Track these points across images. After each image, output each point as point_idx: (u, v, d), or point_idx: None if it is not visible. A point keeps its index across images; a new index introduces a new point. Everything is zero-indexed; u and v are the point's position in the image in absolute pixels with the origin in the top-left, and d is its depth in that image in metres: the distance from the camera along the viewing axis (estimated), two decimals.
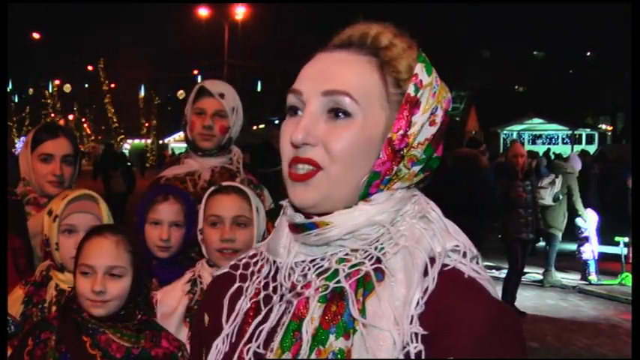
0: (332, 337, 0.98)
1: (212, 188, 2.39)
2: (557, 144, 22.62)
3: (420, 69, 1.06)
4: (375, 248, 1.02)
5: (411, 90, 1.04)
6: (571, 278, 9.77)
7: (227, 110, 3.04)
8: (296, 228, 1.07)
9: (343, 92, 1.02)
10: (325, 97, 1.03)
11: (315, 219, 1.04)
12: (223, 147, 3.09)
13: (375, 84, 1.04)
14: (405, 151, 1.05)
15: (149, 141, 49.61)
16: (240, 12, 31.22)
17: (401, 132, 1.04)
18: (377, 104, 1.04)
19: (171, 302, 2.29)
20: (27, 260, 2.48)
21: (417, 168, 1.07)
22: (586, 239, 9.45)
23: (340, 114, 1.03)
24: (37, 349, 1.91)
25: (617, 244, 9.49)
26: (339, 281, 1.01)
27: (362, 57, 1.06)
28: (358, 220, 1.03)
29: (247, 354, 1.04)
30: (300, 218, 1.06)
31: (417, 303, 0.97)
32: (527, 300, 8.40)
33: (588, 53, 29.03)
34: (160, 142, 48.55)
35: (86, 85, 53.92)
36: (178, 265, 2.55)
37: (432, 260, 1.00)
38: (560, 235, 9.25)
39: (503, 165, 8.79)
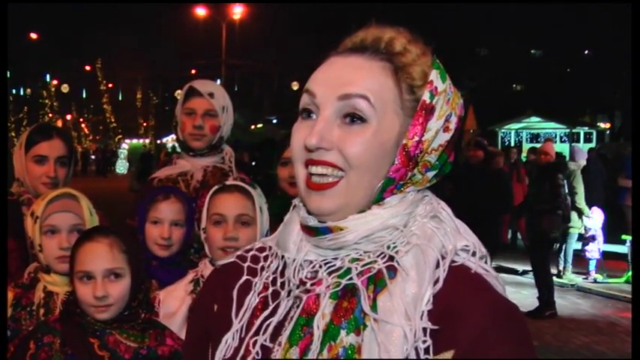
0: (343, 333, 1.00)
1: (216, 187, 2.39)
2: (555, 142, 22.63)
3: (435, 76, 1.06)
4: (388, 247, 1.03)
5: (426, 97, 1.05)
6: (574, 276, 9.78)
7: (217, 109, 3.04)
8: (309, 230, 1.08)
9: (361, 95, 1.03)
10: (341, 102, 1.04)
11: (329, 223, 1.05)
12: (215, 146, 3.09)
13: (390, 90, 1.05)
14: (419, 157, 1.06)
15: (147, 141, 49.60)
16: (237, 11, 31.18)
17: (416, 138, 1.05)
18: (391, 110, 1.04)
19: (174, 302, 2.30)
20: (20, 262, 2.46)
21: (430, 173, 1.09)
22: (592, 238, 9.43)
23: (356, 119, 1.03)
24: (40, 352, 1.90)
25: (623, 242, 9.47)
26: (351, 278, 1.02)
27: (376, 62, 1.06)
28: (372, 224, 1.04)
29: (254, 347, 1.06)
30: (313, 221, 1.07)
31: (428, 300, 0.98)
32: (525, 299, 8.39)
33: (586, 51, 29.03)
34: (158, 141, 48.56)
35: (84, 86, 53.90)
36: (178, 266, 2.55)
37: (443, 258, 1.02)
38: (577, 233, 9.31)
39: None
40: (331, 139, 1.03)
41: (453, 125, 1.07)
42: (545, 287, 7.95)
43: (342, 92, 1.03)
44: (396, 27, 1.10)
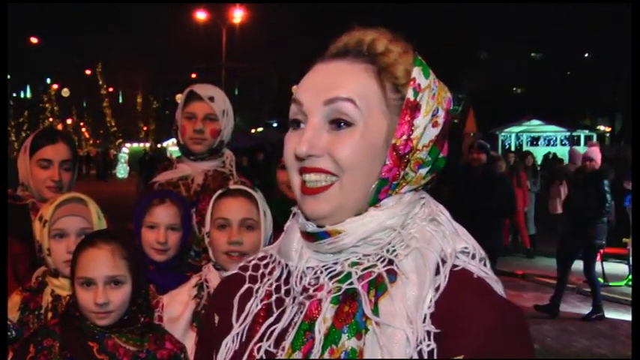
0: (344, 337, 1.00)
1: (220, 191, 2.39)
2: (556, 145, 22.61)
3: (417, 72, 1.07)
4: (387, 251, 1.04)
5: (410, 94, 1.06)
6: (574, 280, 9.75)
7: (217, 113, 3.05)
8: (308, 236, 1.08)
9: (346, 99, 1.04)
10: (327, 107, 1.05)
11: (328, 228, 1.06)
12: (215, 150, 3.10)
13: (374, 91, 1.06)
14: (410, 155, 1.06)
15: (147, 145, 49.61)
16: (237, 15, 31.21)
17: (404, 137, 1.05)
18: (377, 111, 1.05)
19: (178, 307, 2.29)
20: (28, 266, 2.46)
21: (424, 170, 1.09)
22: None
23: (342, 124, 1.04)
24: (40, 355, 1.90)
25: (624, 245, 9.44)
26: (351, 283, 1.02)
27: (359, 65, 1.07)
28: (370, 226, 1.05)
29: (258, 352, 1.06)
30: (312, 227, 1.07)
31: (430, 302, 0.99)
32: (526, 301, 8.40)
33: (586, 54, 29.04)
34: (158, 145, 48.56)
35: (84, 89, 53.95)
36: (175, 270, 2.55)
37: (443, 261, 1.03)
38: None
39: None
40: (320, 145, 1.04)
41: (441, 120, 1.08)
42: (595, 294, 8.02)
43: (327, 97, 1.04)
44: (377, 28, 1.11)
